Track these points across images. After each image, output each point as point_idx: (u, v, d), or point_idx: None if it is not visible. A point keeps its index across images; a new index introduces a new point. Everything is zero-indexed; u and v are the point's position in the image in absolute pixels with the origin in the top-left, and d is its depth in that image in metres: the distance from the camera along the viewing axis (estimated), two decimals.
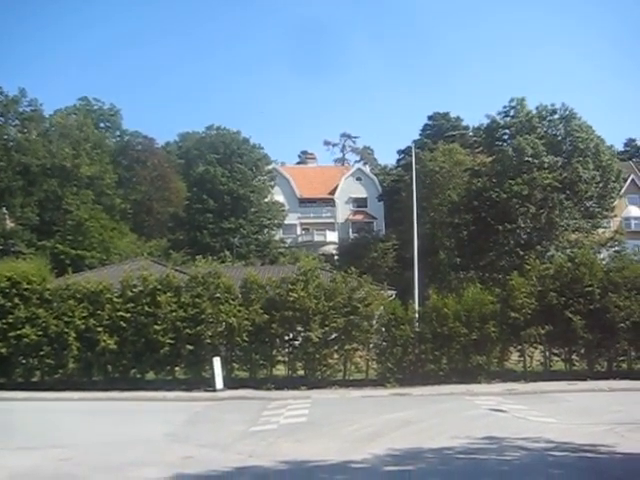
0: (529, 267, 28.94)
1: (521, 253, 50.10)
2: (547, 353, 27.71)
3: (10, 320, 25.86)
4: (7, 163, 58.17)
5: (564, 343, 27.32)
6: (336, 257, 74.65)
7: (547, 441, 14.67)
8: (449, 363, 26.74)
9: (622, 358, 27.68)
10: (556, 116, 55.90)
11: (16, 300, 26.23)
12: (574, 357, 27.61)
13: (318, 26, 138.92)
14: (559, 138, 55.77)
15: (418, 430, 16.57)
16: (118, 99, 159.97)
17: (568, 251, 45.96)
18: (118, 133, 79.83)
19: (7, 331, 25.78)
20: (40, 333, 25.85)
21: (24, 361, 26.46)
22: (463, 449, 14.04)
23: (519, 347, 27.43)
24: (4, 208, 59.36)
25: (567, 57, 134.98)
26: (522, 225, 53.97)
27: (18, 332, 25.69)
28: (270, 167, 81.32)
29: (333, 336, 26.84)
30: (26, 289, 26.52)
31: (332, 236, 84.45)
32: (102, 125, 77.53)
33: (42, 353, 25.96)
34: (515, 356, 27.73)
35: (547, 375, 26.47)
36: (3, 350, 25.75)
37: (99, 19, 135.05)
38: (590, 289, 26.92)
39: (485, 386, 25.08)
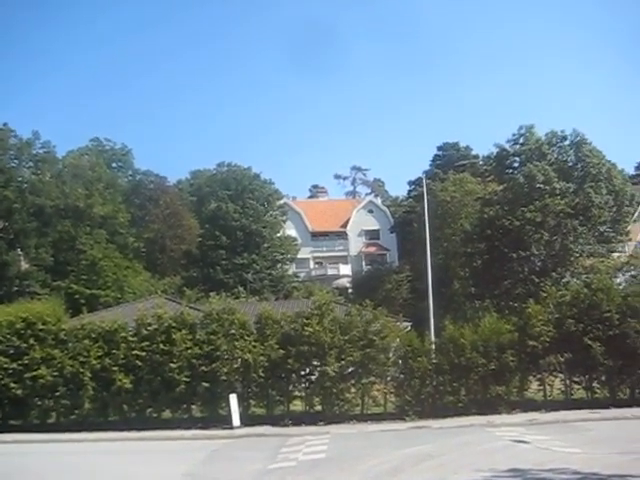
0: (545, 294, 28.70)
1: (536, 280, 49.71)
2: (567, 381, 27.28)
3: (26, 361, 25.83)
4: (21, 205, 58.70)
5: (584, 371, 26.90)
6: (350, 290, 74.38)
7: (573, 472, 14.32)
8: (468, 394, 26.38)
9: None
10: (566, 142, 55.82)
11: (31, 341, 26.22)
12: (595, 385, 27.12)
13: (328, 52, 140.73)
14: (570, 164, 55.63)
15: (439, 464, 16.27)
16: (129, 139, 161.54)
17: (584, 277, 45.54)
18: (130, 172, 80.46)
19: (23, 372, 25.72)
20: (56, 374, 25.81)
21: (40, 402, 26.30)
22: None
23: (539, 376, 27.05)
24: (19, 249, 59.76)
25: (575, 82, 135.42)
26: (536, 252, 53.62)
27: (34, 373, 25.64)
28: (281, 202, 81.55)
29: (350, 370, 26.61)
30: (41, 330, 26.51)
31: (345, 269, 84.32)
32: (114, 165, 78.21)
33: (58, 394, 25.89)
34: (535, 385, 27.32)
35: (568, 404, 26.03)
36: (19, 392, 25.65)
37: (104, 59, 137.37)
38: (608, 315, 26.55)
39: (505, 417, 24.70)
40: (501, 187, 57.99)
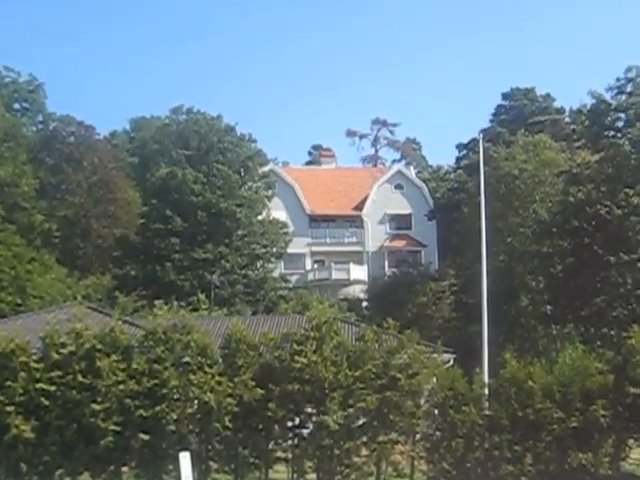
0: None
1: None
2: None
3: None
4: None
5: None
6: (365, 303, 74.42)
7: None
8: (536, 463, 26.54)
9: None
10: None
11: None
12: None
13: None
14: None
15: None
16: (39, 69, 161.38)
17: None
18: (40, 118, 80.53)
19: None
20: None
21: None
22: None
23: None
24: None
25: None
26: None
27: None
28: (267, 169, 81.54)
29: (361, 422, 26.81)
30: None
31: (359, 271, 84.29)
32: (17, 106, 78.30)
33: None
34: (637, 453, 27.45)
35: None
36: None
37: None
38: None
39: None
40: (596, 157, 57.95)
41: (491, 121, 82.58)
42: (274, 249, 76.33)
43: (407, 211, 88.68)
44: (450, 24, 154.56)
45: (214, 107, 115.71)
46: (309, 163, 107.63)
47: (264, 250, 75.08)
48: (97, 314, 35.10)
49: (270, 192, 79.39)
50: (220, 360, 27.23)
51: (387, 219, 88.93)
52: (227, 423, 26.12)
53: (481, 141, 47.64)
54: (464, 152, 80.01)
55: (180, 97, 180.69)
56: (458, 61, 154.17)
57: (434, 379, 27.37)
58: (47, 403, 26.11)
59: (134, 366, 26.72)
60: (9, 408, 25.87)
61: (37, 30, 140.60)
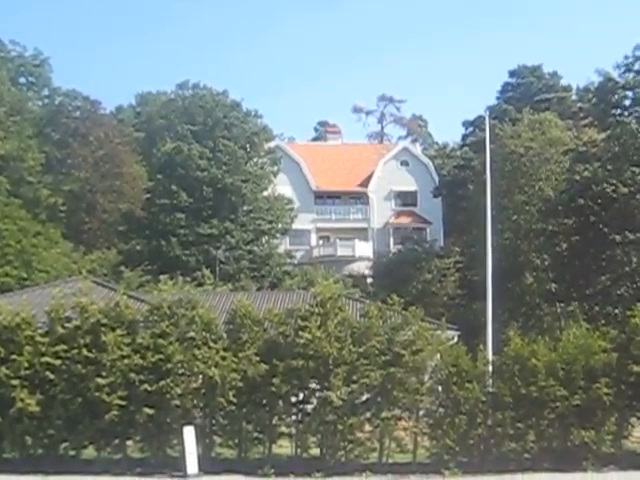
0: None
1: None
2: None
3: None
4: None
5: None
6: (370, 280, 74.49)
7: None
8: (539, 440, 26.55)
9: None
10: None
11: None
12: None
13: None
14: None
15: None
16: (45, 43, 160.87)
17: None
18: (46, 92, 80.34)
19: None
20: None
21: None
22: None
23: None
24: None
25: None
26: None
27: None
28: (272, 145, 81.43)
29: (364, 398, 26.87)
30: None
31: (364, 248, 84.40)
32: (23, 81, 78.13)
33: None
34: (639, 431, 27.45)
35: None
36: None
37: None
38: None
39: (594, 476, 24.80)
40: (603, 135, 57.77)
41: (497, 98, 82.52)
42: (279, 225, 76.42)
43: (412, 188, 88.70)
44: (458, 1, 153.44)
45: (220, 82, 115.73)
46: (315, 139, 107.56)
47: (269, 226, 75.14)
48: (102, 289, 35.26)
49: (276, 168, 79.44)
50: (225, 335, 27.34)
51: (392, 196, 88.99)
52: (231, 398, 26.20)
53: (487, 118, 47.52)
54: (470, 129, 79.86)
55: (186, 72, 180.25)
56: (465, 38, 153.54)
57: (438, 356, 27.40)
58: (52, 377, 26.21)
59: (139, 341, 26.84)
60: (14, 382, 25.99)
61: (43, 4, 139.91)
